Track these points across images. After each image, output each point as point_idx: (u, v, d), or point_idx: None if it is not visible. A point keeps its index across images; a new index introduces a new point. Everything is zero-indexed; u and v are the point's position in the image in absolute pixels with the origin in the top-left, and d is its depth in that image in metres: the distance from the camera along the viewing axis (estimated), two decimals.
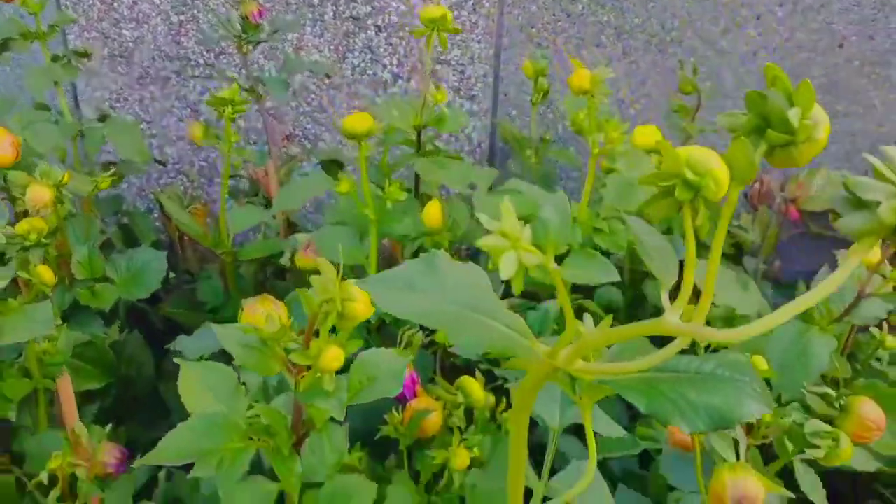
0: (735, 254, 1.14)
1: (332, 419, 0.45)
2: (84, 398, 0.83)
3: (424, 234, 0.73)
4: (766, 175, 1.38)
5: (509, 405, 0.60)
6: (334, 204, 0.73)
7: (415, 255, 0.80)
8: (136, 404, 0.92)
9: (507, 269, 0.23)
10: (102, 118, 1.20)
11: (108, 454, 0.59)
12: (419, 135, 0.75)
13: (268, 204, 1.16)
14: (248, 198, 1.19)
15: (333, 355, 0.40)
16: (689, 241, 0.27)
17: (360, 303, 0.38)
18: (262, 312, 0.60)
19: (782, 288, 1.20)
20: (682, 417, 0.26)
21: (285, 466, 0.45)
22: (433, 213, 0.72)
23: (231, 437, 0.45)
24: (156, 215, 1.44)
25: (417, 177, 0.79)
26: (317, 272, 0.83)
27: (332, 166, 1.26)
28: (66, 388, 0.62)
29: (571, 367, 0.28)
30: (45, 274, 0.68)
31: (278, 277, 1.00)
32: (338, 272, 0.40)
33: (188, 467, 0.45)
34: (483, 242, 0.24)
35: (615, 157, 0.66)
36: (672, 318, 0.26)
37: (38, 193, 0.79)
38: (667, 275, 0.28)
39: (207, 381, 0.54)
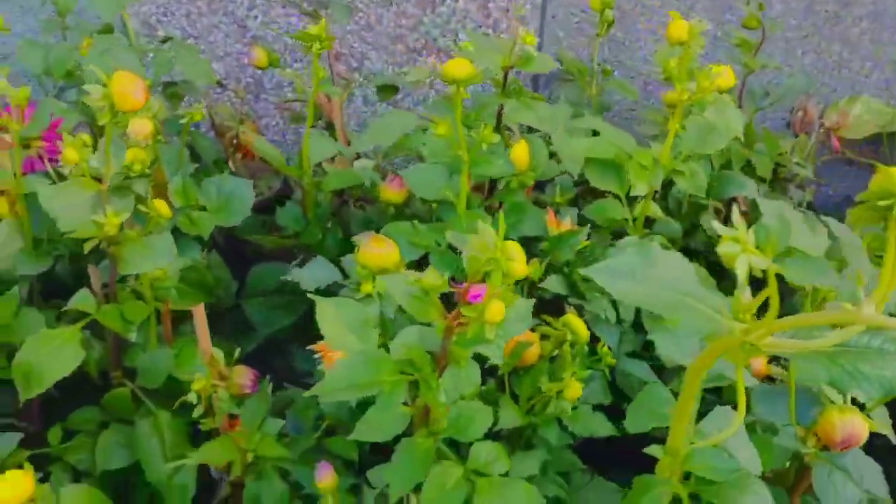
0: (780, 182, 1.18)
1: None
2: (180, 317, 0.89)
3: (513, 175, 0.77)
4: (810, 103, 1.40)
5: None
6: (427, 143, 0.77)
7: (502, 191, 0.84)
8: (221, 321, 0.99)
9: (741, 271, 0.28)
10: (165, 40, 1.21)
11: (244, 376, 0.65)
12: (506, 76, 0.78)
13: (328, 128, 1.19)
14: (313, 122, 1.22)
15: (497, 309, 0.45)
16: (891, 246, 0.31)
17: (519, 262, 0.43)
18: (378, 251, 0.66)
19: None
20: (859, 387, 0.31)
21: (432, 395, 0.51)
22: (521, 153, 0.76)
23: (385, 370, 0.51)
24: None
25: (499, 116, 0.83)
26: (399, 205, 0.87)
27: (388, 91, 1.29)
28: (201, 315, 0.67)
29: (762, 342, 0.33)
30: (162, 207, 0.73)
31: (351, 205, 1.05)
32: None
33: None
34: (721, 250, 0.28)
35: (704, 105, 0.70)
36: (869, 310, 0.31)
37: (140, 125, 0.83)
38: (861, 269, 0.33)
39: (341, 315, 0.60)
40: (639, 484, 0.43)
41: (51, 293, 0.96)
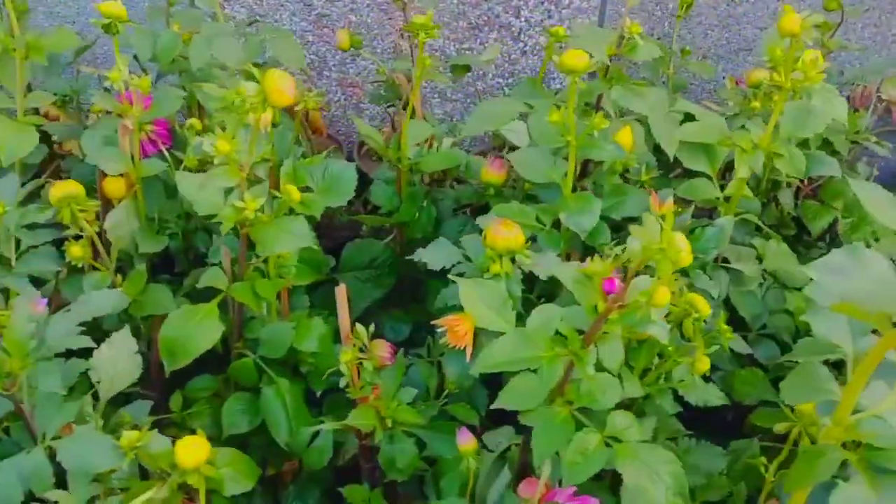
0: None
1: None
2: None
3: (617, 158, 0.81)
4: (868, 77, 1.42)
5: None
6: (534, 127, 0.81)
7: (597, 173, 0.89)
8: (316, 294, 1.04)
9: None
10: (251, 23, 1.25)
11: (383, 349, 0.71)
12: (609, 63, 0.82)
13: (406, 107, 1.23)
14: (390, 102, 1.26)
15: (664, 294, 0.50)
16: None
17: (686, 252, 0.48)
18: (506, 234, 0.70)
19: None
20: None
21: (584, 368, 0.56)
22: (626, 138, 0.81)
23: (543, 346, 0.56)
24: None
25: (598, 101, 0.87)
26: (498, 186, 0.91)
27: (461, 70, 1.32)
28: (342, 294, 0.73)
29: None
30: (294, 192, 0.78)
31: (440, 185, 1.09)
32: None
33: None
34: None
35: (810, 91, 0.74)
36: None
37: (264, 115, 0.88)
38: None
39: (480, 295, 0.65)
40: (808, 452, 0.48)
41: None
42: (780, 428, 0.68)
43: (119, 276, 0.90)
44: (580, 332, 0.58)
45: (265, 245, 0.76)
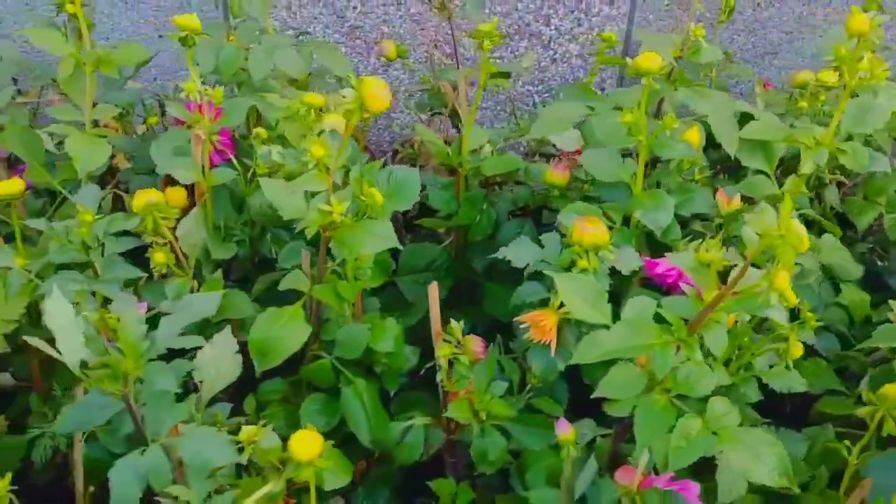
0: None
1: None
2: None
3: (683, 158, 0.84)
4: None
5: None
6: (602, 128, 0.84)
7: (662, 171, 0.91)
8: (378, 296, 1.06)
9: None
10: (299, 34, 1.28)
11: (476, 344, 0.73)
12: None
13: (453, 115, 1.26)
14: (435, 109, 1.29)
15: (783, 279, 0.53)
16: None
17: (804, 237, 0.51)
18: (592, 230, 0.73)
19: None
20: None
21: (692, 354, 0.59)
22: (694, 137, 0.84)
23: (652, 334, 0.59)
24: None
25: (660, 103, 0.90)
26: (563, 187, 0.94)
27: (503, 77, 1.35)
28: (434, 292, 0.75)
29: None
30: (378, 195, 0.80)
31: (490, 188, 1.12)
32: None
33: None
34: None
35: (876, 89, 0.77)
36: None
37: (336, 121, 0.90)
38: None
39: (575, 288, 0.68)
40: None
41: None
42: (862, 412, 0.71)
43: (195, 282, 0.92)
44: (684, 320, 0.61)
45: (351, 247, 0.79)
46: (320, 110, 0.87)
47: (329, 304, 0.83)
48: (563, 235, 0.79)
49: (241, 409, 0.93)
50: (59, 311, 0.64)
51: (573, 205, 0.86)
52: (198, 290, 0.91)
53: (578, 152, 0.96)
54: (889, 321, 0.78)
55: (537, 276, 0.82)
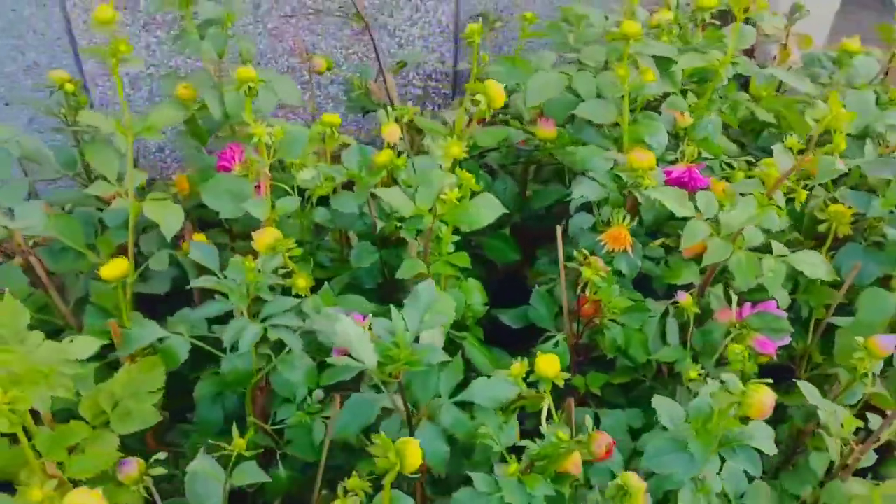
0: None
1: None
2: None
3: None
4: None
5: None
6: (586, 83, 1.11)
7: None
8: None
9: None
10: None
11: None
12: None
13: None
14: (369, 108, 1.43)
15: None
16: None
17: None
18: (644, 157, 1.00)
19: None
20: None
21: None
22: (650, 77, 1.14)
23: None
24: None
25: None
26: (553, 140, 1.20)
27: (400, 66, 1.54)
28: (559, 233, 0.97)
29: None
30: (470, 178, 0.98)
31: None
32: None
33: None
34: None
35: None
36: None
37: (392, 130, 1.05)
38: None
39: (666, 194, 0.95)
40: None
41: None
42: None
43: None
44: None
45: (471, 221, 0.96)
46: None
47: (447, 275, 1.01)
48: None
49: None
50: (350, 330, 0.76)
51: (587, 147, 1.12)
52: None
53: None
54: None
55: (584, 207, 1.08)
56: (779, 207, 0.90)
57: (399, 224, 1.08)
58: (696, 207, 0.95)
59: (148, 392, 0.94)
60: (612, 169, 1.06)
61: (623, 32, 1.05)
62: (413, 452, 0.64)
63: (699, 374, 0.92)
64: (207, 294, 1.10)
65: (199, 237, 1.09)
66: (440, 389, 0.83)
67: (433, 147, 0.92)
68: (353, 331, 0.76)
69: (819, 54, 1.41)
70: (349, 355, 0.76)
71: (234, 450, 0.81)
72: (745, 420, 0.69)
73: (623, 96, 1.11)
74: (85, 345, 0.86)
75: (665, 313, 1.05)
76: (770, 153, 0.93)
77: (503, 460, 0.77)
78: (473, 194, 0.97)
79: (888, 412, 0.86)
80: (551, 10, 1.76)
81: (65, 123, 1.08)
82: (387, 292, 1.14)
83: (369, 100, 1.42)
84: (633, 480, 0.65)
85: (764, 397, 0.64)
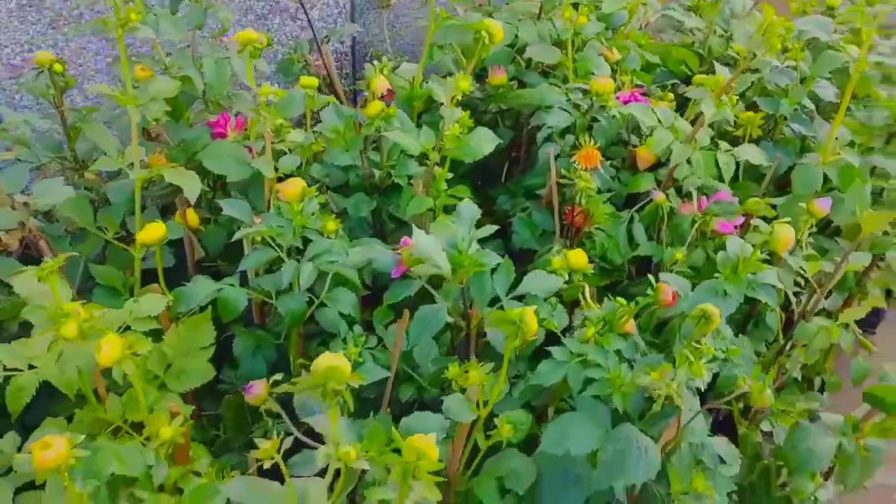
0: None
1: None
2: None
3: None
4: None
5: None
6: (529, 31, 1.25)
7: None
8: None
9: None
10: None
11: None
12: None
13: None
14: None
15: None
16: None
17: None
18: (605, 83, 1.16)
19: None
20: None
21: None
22: (611, 57, 1.30)
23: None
24: None
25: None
26: (505, 84, 1.33)
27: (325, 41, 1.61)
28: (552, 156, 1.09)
29: None
30: (466, 118, 1.08)
31: None
32: None
33: None
34: None
35: None
36: None
37: (381, 82, 1.14)
38: None
39: (642, 109, 1.11)
40: None
41: None
42: None
43: None
44: None
45: (473, 153, 1.07)
46: None
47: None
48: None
49: None
50: (426, 242, 0.85)
51: (542, 86, 1.26)
52: None
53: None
54: None
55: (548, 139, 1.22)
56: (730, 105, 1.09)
57: (391, 170, 1.17)
58: (658, 119, 1.12)
59: (200, 349, 0.96)
60: (568, 99, 1.21)
61: None
62: (531, 319, 0.74)
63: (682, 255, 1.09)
64: (204, 269, 1.13)
65: (192, 213, 1.11)
66: (496, 290, 0.93)
67: (438, 88, 1.02)
68: (429, 243, 0.85)
69: None
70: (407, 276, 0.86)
71: None
72: (767, 261, 0.85)
73: (568, 38, 1.26)
74: (152, 302, 0.88)
75: (630, 220, 1.21)
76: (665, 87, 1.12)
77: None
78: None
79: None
80: None
81: (52, 105, 1.06)
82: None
83: (307, 72, 1.47)
84: (712, 309, 0.79)
85: (788, 232, 0.81)
